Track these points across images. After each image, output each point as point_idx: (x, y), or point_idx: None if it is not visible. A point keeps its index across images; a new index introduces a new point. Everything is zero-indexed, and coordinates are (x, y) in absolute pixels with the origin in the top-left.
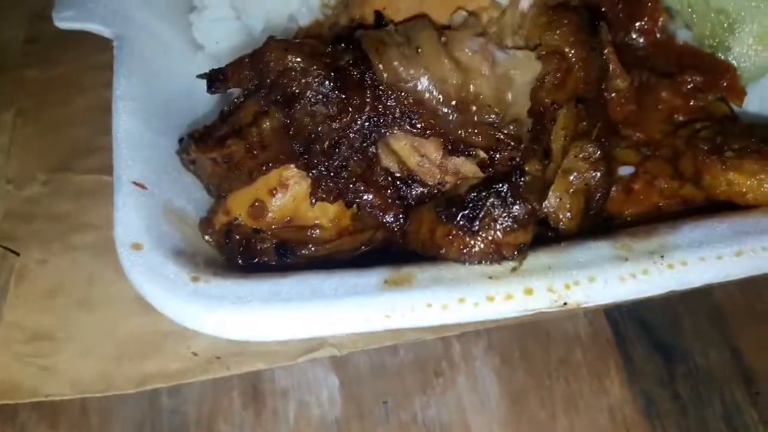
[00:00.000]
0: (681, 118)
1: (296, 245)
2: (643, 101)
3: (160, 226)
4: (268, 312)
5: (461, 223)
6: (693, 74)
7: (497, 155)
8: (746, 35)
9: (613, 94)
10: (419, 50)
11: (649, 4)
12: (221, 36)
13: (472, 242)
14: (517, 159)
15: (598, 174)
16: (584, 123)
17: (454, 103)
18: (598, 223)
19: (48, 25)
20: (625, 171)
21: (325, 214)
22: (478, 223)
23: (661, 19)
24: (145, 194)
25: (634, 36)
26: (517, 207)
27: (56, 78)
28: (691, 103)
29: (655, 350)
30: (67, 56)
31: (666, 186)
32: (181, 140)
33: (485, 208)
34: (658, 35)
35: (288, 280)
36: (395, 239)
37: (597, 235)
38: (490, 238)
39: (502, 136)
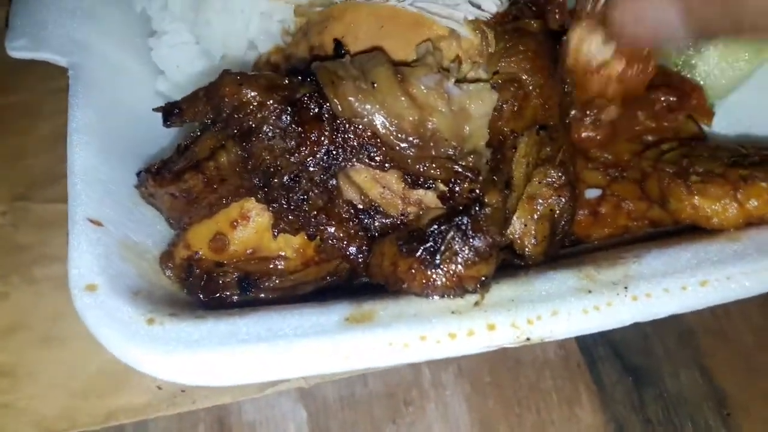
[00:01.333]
0: (650, 138)
1: (260, 277)
2: (618, 123)
3: (116, 264)
4: (224, 355)
5: (423, 257)
6: (666, 93)
7: (457, 187)
8: (711, 53)
9: (587, 120)
10: (375, 85)
11: None
12: (182, 61)
13: (434, 276)
14: (477, 191)
15: (563, 199)
16: (548, 149)
17: (411, 138)
18: (565, 246)
19: (2, 50)
20: (592, 193)
21: (289, 245)
22: (439, 256)
23: None
24: (100, 231)
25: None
26: (477, 240)
27: (14, 105)
28: (665, 124)
29: (626, 373)
30: (25, 82)
31: (633, 208)
32: (139, 174)
33: (446, 241)
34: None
35: (246, 319)
36: (359, 272)
37: (563, 262)
38: (451, 271)
39: (460, 169)
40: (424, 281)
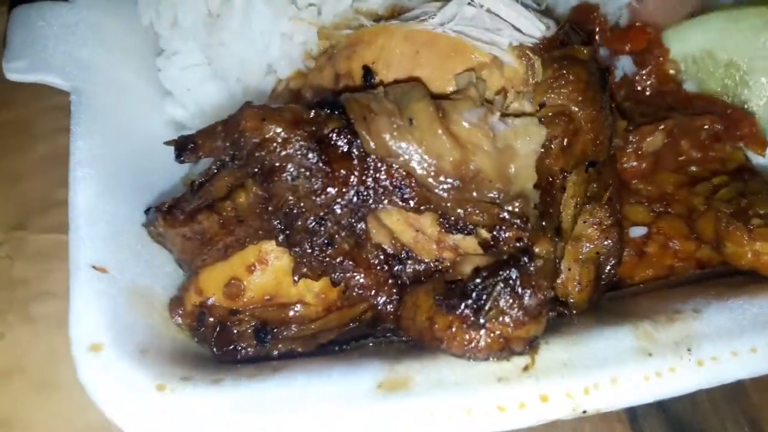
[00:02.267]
0: (695, 169)
1: (278, 326)
2: (661, 153)
3: (123, 316)
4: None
5: (465, 314)
6: (712, 121)
7: (502, 233)
8: (762, 85)
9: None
10: (412, 122)
11: (656, 53)
12: (193, 84)
13: (478, 337)
14: (525, 239)
15: (610, 241)
16: (594, 185)
17: (451, 180)
18: (608, 289)
19: None
20: (636, 232)
21: (310, 290)
22: (483, 315)
23: (670, 71)
24: (105, 280)
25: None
26: (528, 296)
27: (8, 123)
28: (710, 154)
29: (670, 427)
30: (17, 97)
31: (681, 248)
32: (148, 211)
33: (492, 297)
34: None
35: (267, 383)
36: (387, 322)
37: (610, 312)
38: (498, 332)
39: (506, 215)
40: (466, 342)
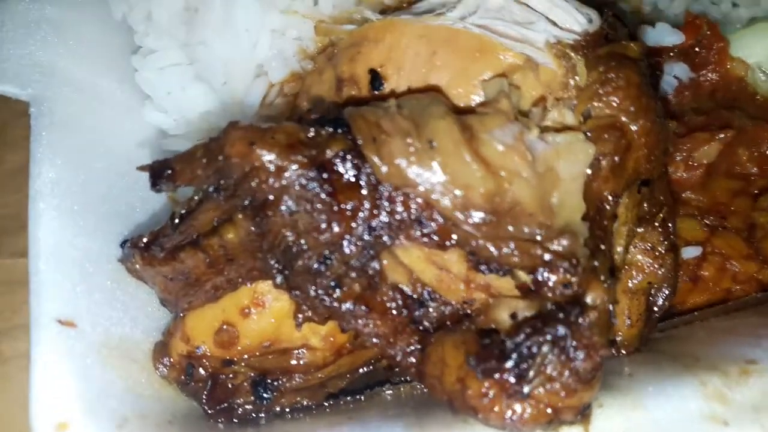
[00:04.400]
0: (754, 170)
1: (279, 376)
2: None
3: (95, 378)
4: None
5: (505, 381)
6: None
7: (545, 276)
8: None
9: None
10: (433, 144)
11: (714, 49)
12: (172, 86)
13: (521, 408)
14: (574, 285)
15: (665, 270)
16: (645, 205)
17: (482, 214)
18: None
19: None
20: (690, 253)
21: (316, 332)
22: (528, 383)
23: (736, 70)
24: (74, 336)
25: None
26: (580, 359)
27: None
28: None
29: None
30: None
31: (740, 270)
32: (123, 244)
33: (537, 361)
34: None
35: None
36: (407, 375)
37: (666, 355)
38: (545, 401)
39: (550, 257)
40: (507, 414)
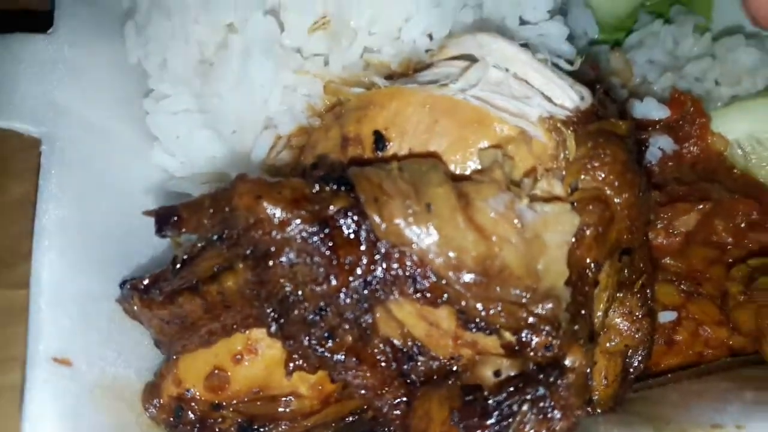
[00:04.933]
0: (729, 240)
1: (266, 423)
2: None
3: (87, 421)
4: None
5: None
6: (749, 208)
7: (528, 337)
8: None
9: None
10: (430, 208)
11: (697, 123)
12: (182, 130)
13: None
14: (555, 348)
15: (641, 334)
16: (626, 271)
17: (473, 275)
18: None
19: None
20: (666, 317)
21: (305, 380)
22: None
23: (716, 145)
24: (68, 375)
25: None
26: (557, 419)
27: None
28: (744, 242)
29: None
30: None
31: (713, 335)
32: (123, 284)
33: (517, 419)
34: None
35: None
36: (393, 428)
37: (641, 422)
38: None
39: (533, 320)
40: None
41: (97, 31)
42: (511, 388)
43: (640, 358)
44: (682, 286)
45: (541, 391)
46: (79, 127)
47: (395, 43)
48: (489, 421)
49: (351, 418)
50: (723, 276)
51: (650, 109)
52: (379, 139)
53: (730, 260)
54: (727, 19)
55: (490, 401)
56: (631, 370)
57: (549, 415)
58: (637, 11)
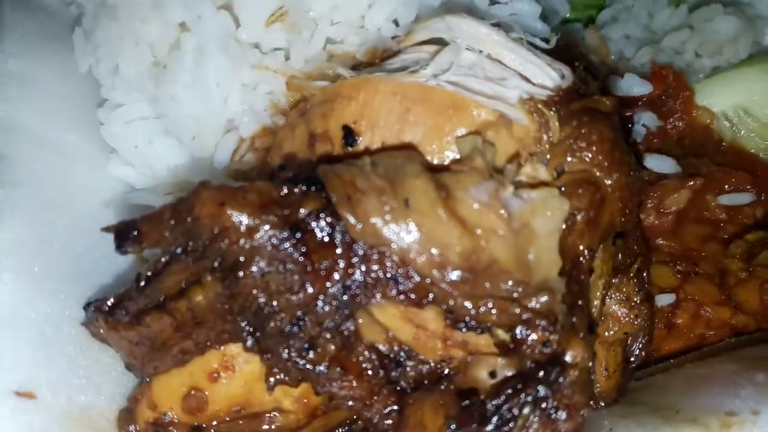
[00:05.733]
0: (723, 216)
1: None
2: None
3: None
4: None
5: None
6: (745, 181)
7: (524, 334)
8: None
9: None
10: (409, 204)
11: (681, 97)
12: (140, 140)
13: None
14: (554, 343)
15: (640, 319)
16: (620, 256)
17: (459, 272)
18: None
19: None
20: (664, 300)
21: (288, 394)
22: None
23: (702, 118)
24: (32, 408)
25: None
26: (562, 419)
27: None
28: (738, 217)
29: None
30: None
31: (714, 316)
32: (87, 306)
33: (519, 423)
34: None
35: None
36: None
37: (649, 413)
38: None
39: (528, 315)
40: None
41: (45, 41)
42: (510, 390)
43: (641, 346)
44: (677, 267)
45: (543, 391)
46: (29, 142)
47: (359, 31)
48: (488, 428)
49: (340, 431)
50: (719, 253)
51: (631, 86)
52: (349, 134)
53: (725, 236)
54: None
55: (488, 405)
56: (632, 358)
57: (553, 417)
58: None
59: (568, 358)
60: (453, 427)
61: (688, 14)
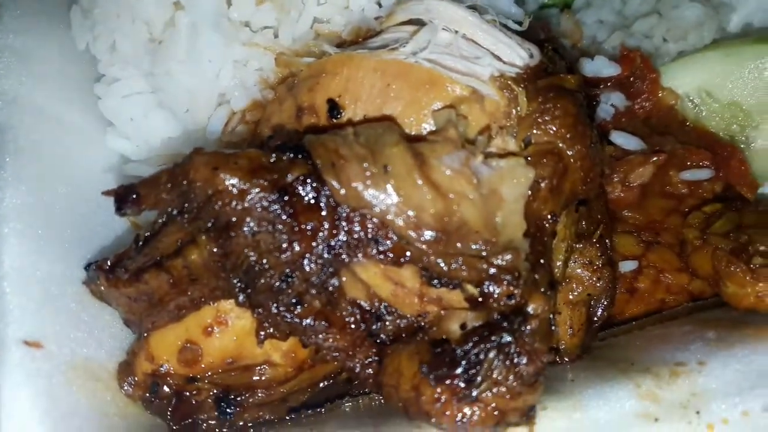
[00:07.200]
0: (684, 191)
1: (242, 392)
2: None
3: (62, 401)
4: None
5: (455, 386)
6: (706, 158)
7: (491, 289)
8: None
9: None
10: (387, 169)
11: (647, 81)
12: (135, 113)
13: (470, 411)
14: (517, 296)
15: (603, 282)
16: (583, 223)
17: (432, 232)
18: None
19: None
20: (627, 266)
21: (277, 348)
22: (476, 387)
23: (667, 99)
24: (40, 357)
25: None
26: (524, 364)
27: None
28: (699, 191)
29: None
30: None
31: (673, 281)
32: (88, 267)
33: (484, 367)
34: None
35: None
36: (366, 387)
37: (604, 360)
38: (492, 404)
39: (494, 271)
40: (457, 417)
41: (44, 17)
42: (477, 338)
43: (603, 307)
44: (641, 237)
45: (507, 337)
46: (29, 114)
47: (344, 12)
48: (458, 370)
49: (326, 382)
50: (680, 225)
51: (601, 67)
52: (333, 107)
53: (687, 209)
54: None
55: (458, 351)
56: (596, 318)
57: (515, 360)
58: None
59: (530, 309)
60: (426, 370)
61: (657, 1)
